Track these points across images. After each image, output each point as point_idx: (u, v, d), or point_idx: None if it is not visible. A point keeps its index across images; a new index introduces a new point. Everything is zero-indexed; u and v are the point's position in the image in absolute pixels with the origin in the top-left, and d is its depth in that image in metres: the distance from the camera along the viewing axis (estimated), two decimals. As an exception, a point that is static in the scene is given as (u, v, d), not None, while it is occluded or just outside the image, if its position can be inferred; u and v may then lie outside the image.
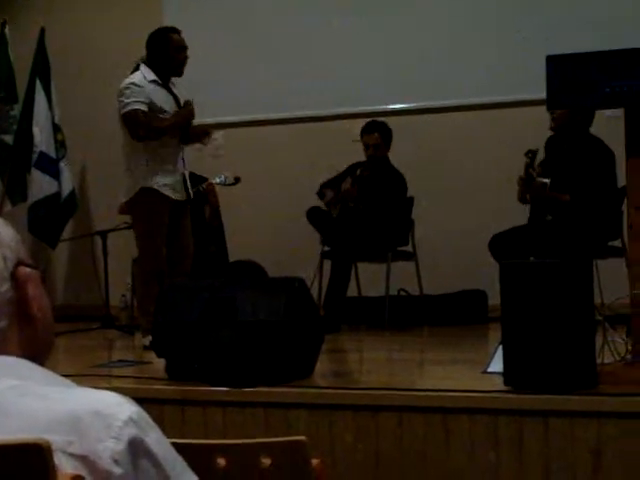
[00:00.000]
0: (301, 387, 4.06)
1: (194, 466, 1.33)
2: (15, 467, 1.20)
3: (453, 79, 7.41)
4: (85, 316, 7.39)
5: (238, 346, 4.13)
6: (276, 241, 7.74)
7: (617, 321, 4.03)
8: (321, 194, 7.04)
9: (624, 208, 4.34)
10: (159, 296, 4.58)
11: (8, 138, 8.09)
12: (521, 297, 3.71)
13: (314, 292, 5.93)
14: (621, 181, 5.27)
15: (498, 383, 3.82)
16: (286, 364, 4.13)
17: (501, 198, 6.75)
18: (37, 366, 1.34)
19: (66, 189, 8.07)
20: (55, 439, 1.20)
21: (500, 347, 3.94)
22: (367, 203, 6.89)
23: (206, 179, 7.02)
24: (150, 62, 5.83)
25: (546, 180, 5.93)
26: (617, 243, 6.03)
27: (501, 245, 5.99)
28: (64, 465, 1.20)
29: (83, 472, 1.20)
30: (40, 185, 7.99)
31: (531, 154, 5.92)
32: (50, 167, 8.01)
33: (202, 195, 6.91)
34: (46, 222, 7.99)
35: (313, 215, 6.94)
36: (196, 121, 6.02)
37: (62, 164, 8.07)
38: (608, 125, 5.53)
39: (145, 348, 5.43)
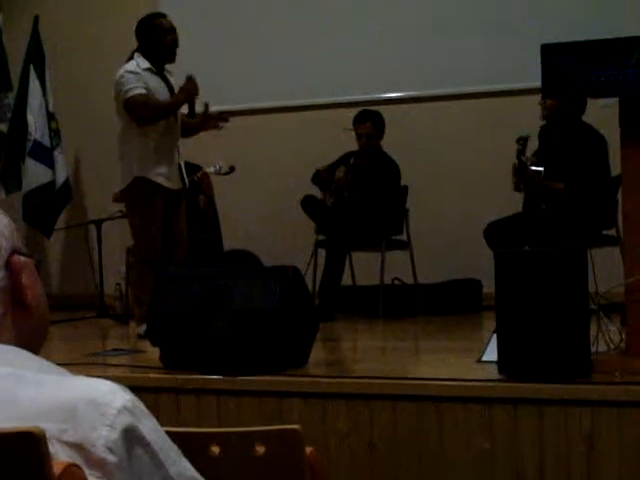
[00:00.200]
0: (295, 376, 4.07)
1: (188, 454, 1.33)
2: (9, 455, 1.20)
3: (447, 68, 7.39)
4: (80, 305, 7.38)
5: (233, 335, 4.13)
6: (270, 230, 7.74)
7: (612, 310, 4.03)
8: (317, 177, 7.00)
9: (619, 197, 4.34)
10: (154, 285, 4.58)
11: (2, 126, 8.07)
12: (516, 286, 3.72)
13: (308, 281, 5.92)
14: (615, 169, 5.27)
15: (492, 372, 3.82)
16: (280, 353, 4.13)
17: (496, 187, 6.75)
18: (31, 354, 1.34)
19: (60, 178, 8.04)
20: (49, 427, 1.20)
21: (494, 336, 3.95)
22: (361, 192, 6.88)
23: (200, 168, 7.01)
24: (142, 50, 5.82)
25: (540, 169, 5.93)
26: (612, 232, 6.04)
27: (496, 233, 5.99)
28: (59, 453, 1.20)
29: (78, 460, 1.20)
30: (34, 174, 7.96)
31: (522, 141, 5.91)
32: (44, 156, 7.98)
33: (196, 184, 6.90)
34: (41, 211, 7.97)
35: (307, 204, 6.93)
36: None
37: (56, 153, 8.03)
38: (602, 114, 5.53)
39: (140, 337, 5.43)
